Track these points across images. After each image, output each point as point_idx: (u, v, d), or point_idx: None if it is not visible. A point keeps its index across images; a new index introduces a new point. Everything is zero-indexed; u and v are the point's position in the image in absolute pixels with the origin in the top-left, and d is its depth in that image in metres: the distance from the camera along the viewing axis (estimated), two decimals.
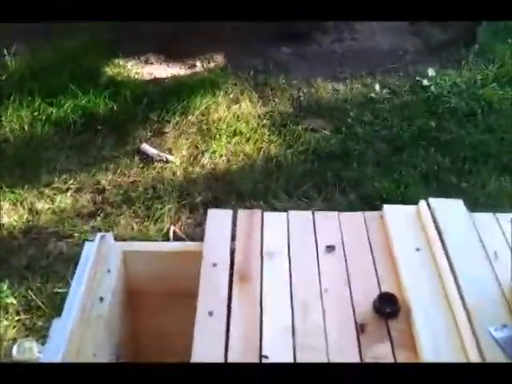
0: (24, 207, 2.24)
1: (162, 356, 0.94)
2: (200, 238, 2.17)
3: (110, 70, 2.91)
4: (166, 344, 1.02)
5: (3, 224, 2.18)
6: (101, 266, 0.95)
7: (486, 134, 2.66)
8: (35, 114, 2.63)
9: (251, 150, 2.53)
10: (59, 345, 0.81)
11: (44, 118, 2.62)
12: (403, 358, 0.83)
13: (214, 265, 0.97)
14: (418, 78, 2.94)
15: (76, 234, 2.15)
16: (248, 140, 2.57)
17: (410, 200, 2.16)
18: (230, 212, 1.10)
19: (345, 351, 0.84)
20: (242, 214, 1.08)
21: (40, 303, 1.85)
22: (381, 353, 0.82)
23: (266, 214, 1.11)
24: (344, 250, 1.01)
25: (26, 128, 2.58)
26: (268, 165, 2.47)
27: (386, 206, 1.09)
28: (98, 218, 2.20)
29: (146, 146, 2.52)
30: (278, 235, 1.03)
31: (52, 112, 2.63)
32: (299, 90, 2.86)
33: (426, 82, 2.90)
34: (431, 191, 2.33)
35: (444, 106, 2.76)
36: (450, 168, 2.48)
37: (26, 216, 2.21)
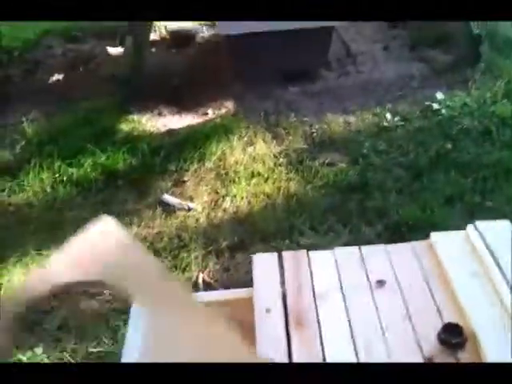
0: None
1: None
2: (229, 283, 2.19)
3: (125, 127, 2.97)
4: None
5: None
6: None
7: (504, 151, 2.65)
8: (56, 175, 2.68)
9: (271, 190, 2.54)
10: None
11: (65, 178, 2.66)
12: None
13: (268, 311, 0.96)
14: (427, 103, 2.96)
15: (106, 291, 2.15)
16: (266, 180, 2.59)
17: (437, 224, 2.15)
18: (275, 255, 1.09)
19: None
20: (287, 255, 1.07)
21: None
22: None
23: (311, 253, 1.10)
24: (398, 283, 1.00)
25: (47, 190, 2.62)
26: (289, 203, 2.48)
27: (433, 234, 1.08)
28: None
29: (167, 197, 2.54)
30: (327, 274, 1.02)
31: (72, 173, 2.68)
32: (311, 126, 2.89)
33: (436, 106, 2.92)
34: (457, 213, 2.32)
35: (457, 128, 2.77)
36: (472, 188, 2.46)
37: None
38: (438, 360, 0.85)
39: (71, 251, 0.50)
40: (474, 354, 0.86)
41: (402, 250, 1.07)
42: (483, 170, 2.53)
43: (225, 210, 2.48)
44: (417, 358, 0.86)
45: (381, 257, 1.05)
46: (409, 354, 0.87)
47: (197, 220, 2.45)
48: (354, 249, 1.08)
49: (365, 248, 1.08)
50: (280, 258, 1.07)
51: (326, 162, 2.64)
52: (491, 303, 0.94)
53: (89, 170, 2.67)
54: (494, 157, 2.61)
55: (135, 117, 3.06)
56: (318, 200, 2.47)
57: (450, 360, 0.84)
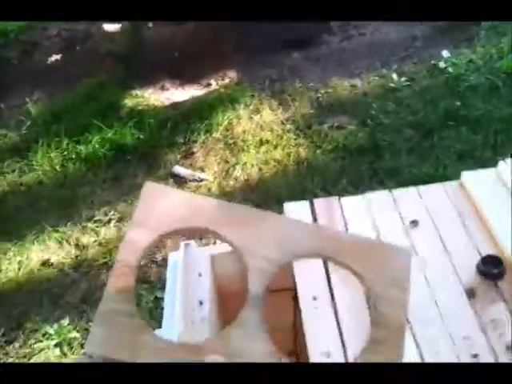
0: (70, 243, 2.27)
1: None
2: None
3: (129, 102, 2.95)
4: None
5: (52, 263, 2.20)
6: (191, 271, 0.95)
7: None
8: (65, 153, 2.68)
9: (281, 156, 2.54)
10: None
11: (74, 156, 2.66)
12: None
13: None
14: (433, 62, 2.93)
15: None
16: (276, 147, 2.58)
17: (450, 180, 2.14)
18: (306, 203, 1.09)
19: (460, 319, 0.82)
20: (318, 202, 1.07)
21: None
22: (497, 314, 0.80)
23: (342, 199, 1.10)
24: (433, 222, 1.00)
25: (58, 168, 2.62)
26: (300, 168, 2.48)
27: (464, 173, 1.07)
28: None
29: (178, 168, 2.54)
30: (360, 218, 1.02)
31: (81, 149, 2.67)
32: (317, 91, 2.87)
33: (442, 64, 2.90)
34: (469, 169, 2.31)
35: (465, 85, 2.75)
36: (483, 144, 2.46)
37: (73, 252, 2.23)
38: (478, 291, 0.85)
39: (147, 215, 0.51)
40: None
41: (433, 191, 1.07)
42: (493, 125, 2.52)
43: (236, 179, 2.48)
44: (457, 290, 0.87)
45: (413, 198, 1.05)
46: (449, 287, 0.87)
47: (209, 189, 2.45)
48: (386, 192, 1.08)
49: (396, 191, 1.08)
50: (312, 205, 1.07)
51: (335, 125, 2.62)
52: None
53: (97, 146, 2.66)
54: (503, 112, 2.60)
55: (138, 92, 3.04)
56: (328, 163, 2.46)
57: (491, 290, 0.84)
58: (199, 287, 0.95)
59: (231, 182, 2.47)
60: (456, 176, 2.20)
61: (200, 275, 0.98)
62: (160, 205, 0.46)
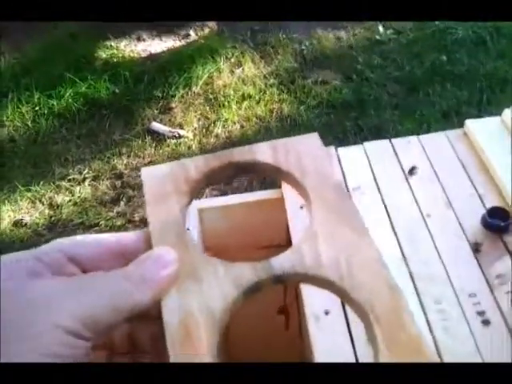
0: (43, 203, 2.17)
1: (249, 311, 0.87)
2: None
3: (103, 54, 2.80)
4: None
5: (25, 223, 2.11)
6: None
7: (498, 61, 2.58)
8: (36, 109, 2.54)
9: (263, 112, 2.45)
10: None
11: (46, 111, 2.53)
12: None
13: (301, 207, 0.90)
14: None
15: (102, 222, 2.09)
16: (258, 102, 2.49)
17: None
18: None
19: (465, 275, 0.77)
20: None
21: None
22: (503, 270, 0.76)
23: (339, 149, 1.04)
24: (435, 172, 0.94)
25: (29, 124, 2.49)
26: (283, 124, 2.40)
27: (468, 121, 1.02)
28: (121, 202, 2.14)
29: (155, 125, 2.44)
30: (358, 168, 0.96)
31: (53, 104, 2.54)
32: (301, 43, 2.76)
33: None
34: (454, 127, 2.27)
35: (452, 38, 2.68)
36: (468, 100, 2.41)
37: (47, 212, 2.14)
38: (484, 245, 0.81)
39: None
40: None
41: (435, 139, 1.02)
42: (479, 81, 2.47)
43: (217, 136, 2.39)
44: (463, 243, 0.82)
45: (414, 147, 0.99)
46: (454, 240, 0.83)
47: (189, 147, 2.36)
48: (385, 142, 1.02)
49: (396, 140, 1.02)
50: None
51: (319, 80, 2.54)
52: None
53: (70, 100, 2.53)
54: (489, 67, 2.54)
55: (113, 43, 2.89)
56: (312, 120, 2.39)
57: (497, 244, 0.80)
58: None
59: (212, 140, 2.38)
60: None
61: (188, 230, 0.91)
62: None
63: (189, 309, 0.34)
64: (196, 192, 0.43)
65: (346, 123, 2.35)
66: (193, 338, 0.33)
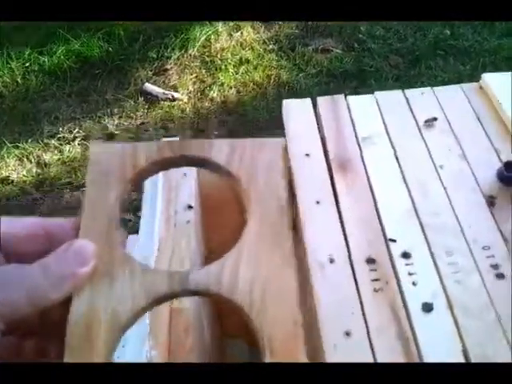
0: (31, 161, 2.10)
1: None
2: None
3: None
4: None
5: (12, 181, 2.04)
6: (174, 171, 0.82)
7: (503, 39, 2.53)
8: (27, 65, 2.45)
9: (261, 78, 2.39)
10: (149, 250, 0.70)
11: (37, 68, 2.44)
12: None
13: (307, 155, 0.85)
14: None
15: None
16: (256, 68, 2.42)
17: None
18: (308, 101, 0.97)
19: (479, 227, 0.73)
20: (323, 100, 0.95)
21: None
22: None
23: (349, 97, 0.98)
24: (449, 123, 0.90)
25: (19, 81, 2.40)
26: (280, 91, 2.34)
27: (485, 75, 0.97)
28: None
29: (149, 86, 2.36)
30: (370, 117, 0.91)
31: (44, 61, 2.45)
32: None
33: None
34: None
35: None
36: (470, 75, 2.36)
37: (35, 170, 2.07)
38: (498, 199, 0.77)
39: None
40: None
41: (450, 92, 0.97)
42: (482, 57, 2.42)
43: (212, 100, 2.33)
44: (477, 196, 0.78)
45: (428, 99, 0.95)
46: (468, 192, 0.79)
47: (182, 110, 2.30)
48: (397, 92, 0.97)
49: (409, 91, 0.97)
50: (314, 103, 0.95)
51: (320, 48, 2.47)
52: None
53: (62, 57, 2.44)
54: (493, 44, 2.49)
55: None
56: (311, 88, 2.33)
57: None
58: (185, 188, 0.83)
59: (206, 104, 2.32)
60: None
61: (185, 175, 0.86)
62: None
63: (95, 307, 0.35)
64: (142, 180, 0.42)
65: (346, 93, 2.29)
66: (91, 335, 0.34)
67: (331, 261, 0.70)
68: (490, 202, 0.76)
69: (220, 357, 0.96)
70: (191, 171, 0.86)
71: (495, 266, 0.68)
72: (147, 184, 0.84)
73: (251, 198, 0.40)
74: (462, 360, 0.60)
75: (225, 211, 0.89)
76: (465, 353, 0.61)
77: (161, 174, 0.85)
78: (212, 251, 0.88)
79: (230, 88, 2.37)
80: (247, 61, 2.44)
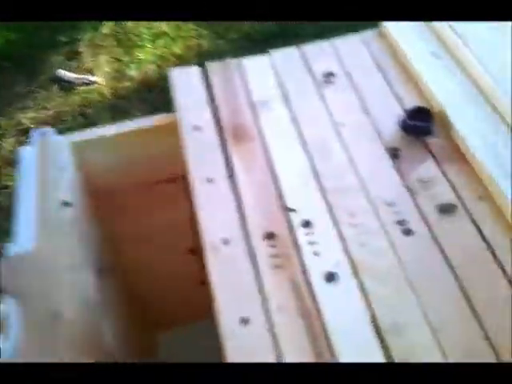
0: None
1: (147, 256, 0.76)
2: None
3: None
4: (151, 239, 0.83)
5: None
6: (50, 164, 0.73)
7: None
8: None
9: (181, 50, 2.27)
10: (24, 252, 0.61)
11: None
12: (454, 171, 0.68)
13: (197, 128, 0.76)
14: None
15: (11, 184, 1.89)
16: (174, 40, 2.30)
17: None
18: (195, 68, 0.88)
19: (384, 181, 0.67)
20: (213, 66, 0.86)
21: None
22: (426, 173, 0.66)
23: (243, 60, 0.90)
24: (349, 76, 0.83)
25: None
26: (203, 61, 2.23)
27: (385, 23, 0.90)
28: None
29: (61, 72, 2.21)
30: (265, 80, 0.84)
31: None
32: None
33: None
34: None
35: None
36: None
37: None
38: (403, 150, 0.71)
39: None
40: (445, 138, 0.73)
41: (349, 42, 0.90)
42: None
43: (132, 79, 2.20)
44: (379, 150, 0.72)
45: (325, 53, 0.87)
46: (370, 147, 0.73)
47: (101, 94, 2.16)
48: (293, 48, 0.89)
49: (307, 47, 0.89)
50: (204, 70, 0.87)
51: None
52: (459, 83, 0.80)
53: None
54: None
55: None
56: (234, 54, 2.23)
57: (417, 148, 0.70)
58: (61, 184, 0.74)
59: (126, 83, 2.19)
60: None
61: (62, 169, 0.76)
62: None
63: None
64: None
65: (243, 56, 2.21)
66: None
67: (225, 242, 0.62)
68: (394, 154, 0.70)
69: None
70: (68, 162, 0.76)
71: (401, 222, 0.62)
72: (19, 181, 0.75)
73: None
74: (370, 330, 0.54)
75: (121, 198, 0.80)
76: (374, 323, 0.55)
77: (35, 170, 0.75)
78: None
79: (150, 64, 2.24)
80: (164, 34, 2.32)
